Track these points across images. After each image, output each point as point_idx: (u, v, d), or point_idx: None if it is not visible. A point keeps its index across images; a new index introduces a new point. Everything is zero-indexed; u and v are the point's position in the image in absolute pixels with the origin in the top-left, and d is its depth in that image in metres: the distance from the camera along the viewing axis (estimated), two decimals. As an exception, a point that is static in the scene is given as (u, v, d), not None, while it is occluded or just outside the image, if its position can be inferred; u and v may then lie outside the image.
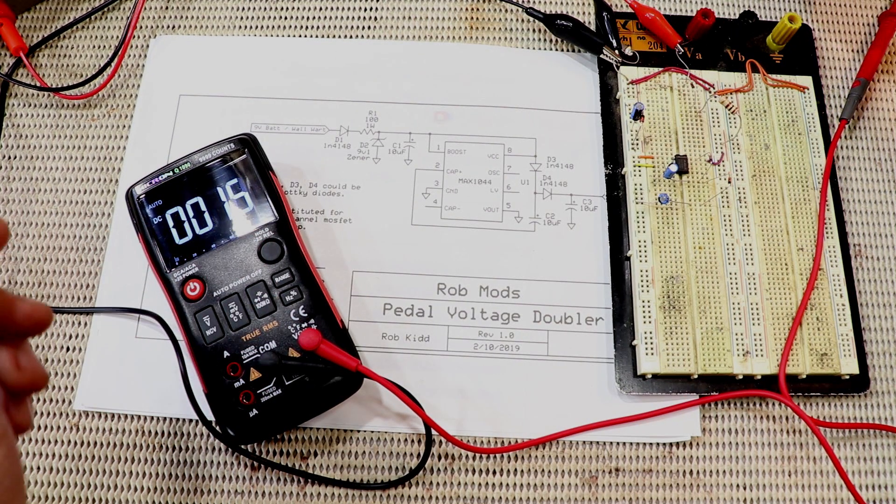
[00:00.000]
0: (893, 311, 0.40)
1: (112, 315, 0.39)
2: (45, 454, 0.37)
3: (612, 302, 0.39)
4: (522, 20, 0.46)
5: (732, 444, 0.37)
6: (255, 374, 0.34)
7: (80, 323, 0.39)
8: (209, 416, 0.35)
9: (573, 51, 0.45)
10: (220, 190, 0.38)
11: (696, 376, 0.37)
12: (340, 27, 0.45)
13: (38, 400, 0.37)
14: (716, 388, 0.37)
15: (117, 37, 0.45)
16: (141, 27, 0.45)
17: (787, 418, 0.38)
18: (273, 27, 0.45)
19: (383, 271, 0.40)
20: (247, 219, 0.37)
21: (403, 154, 0.42)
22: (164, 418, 0.37)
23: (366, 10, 0.46)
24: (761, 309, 0.38)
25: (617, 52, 0.42)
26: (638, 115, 0.41)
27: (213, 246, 0.37)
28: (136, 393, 0.37)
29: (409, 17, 0.46)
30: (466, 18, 0.46)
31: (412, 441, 0.37)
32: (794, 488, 0.37)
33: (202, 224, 0.37)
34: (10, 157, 0.42)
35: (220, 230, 0.37)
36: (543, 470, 0.37)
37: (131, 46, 0.45)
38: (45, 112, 0.43)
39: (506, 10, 0.46)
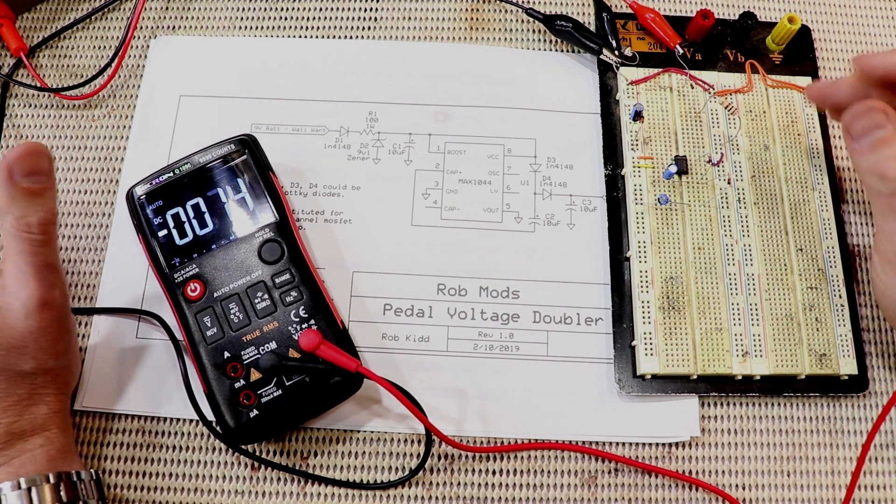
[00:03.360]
0: (892, 312, 0.40)
1: (112, 315, 0.39)
2: (46, 454, 0.37)
3: (612, 302, 0.39)
4: (522, 21, 0.46)
5: (732, 444, 0.37)
6: (255, 375, 0.34)
7: (80, 323, 0.39)
8: (209, 416, 0.35)
9: (573, 51, 0.45)
10: (220, 191, 0.38)
11: (695, 377, 0.37)
12: (340, 27, 0.45)
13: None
14: (715, 388, 0.37)
15: (117, 37, 0.45)
16: (141, 27, 0.45)
17: (786, 418, 0.38)
18: (273, 27, 0.45)
19: (383, 272, 0.40)
20: (247, 219, 0.37)
21: (403, 154, 0.42)
22: (164, 418, 0.37)
23: (366, 10, 0.46)
24: (760, 310, 0.38)
25: (616, 52, 0.42)
26: (637, 115, 0.41)
27: (214, 247, 0.37)
28: (136, 393, 0.37)
29: (409, 18, 0.46)
30: (466, 19, 0.46)
31: (412, 441, 0.37)
32: (793, 488, 0.37)
33: (202, 225, 0.37)
34: (10, 158, 0.42)
35: (220, 231, 0.37)
36: (543, 470, 0.37)
37: (132, 47, 0.45)
38: (45, 112, 0.43)
39: (506, 11, 0.46)
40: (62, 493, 0.31)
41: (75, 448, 0.35)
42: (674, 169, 0.39)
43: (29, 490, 0.30)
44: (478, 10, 0.46)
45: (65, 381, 0.34)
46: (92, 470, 0.33)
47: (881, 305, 0.36)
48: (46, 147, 0.31)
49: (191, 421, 0.37)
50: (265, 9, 0.46)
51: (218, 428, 0.35)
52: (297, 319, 0.35)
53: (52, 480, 0.31)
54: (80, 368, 0.36)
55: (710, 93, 0.42)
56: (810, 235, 0.39)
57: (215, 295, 0.36)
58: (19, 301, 0.31)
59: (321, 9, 0.46)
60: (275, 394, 0.34)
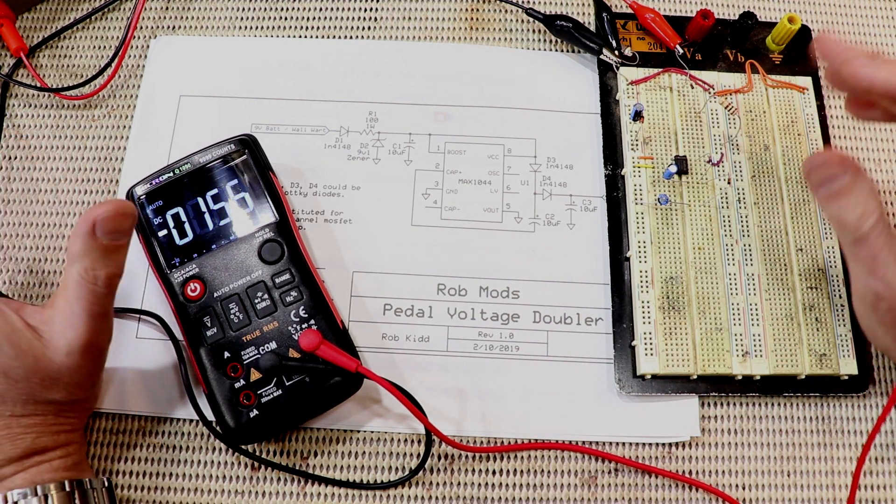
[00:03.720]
0: (892, 312, 0.40)
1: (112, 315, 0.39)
2: (46, 454, 0.37)
3: (612, 302, 0.39)
4: (522, 21, 0.46)
5: (732, 444, 0.37)
6: (255, 375, 0.34)
7: (80, 323, 0.39)
8: (209, 416, 0.35)
9: (573, 51, 0.45)
10: (220, 191, 0.38)
11: (695, 377, 0.37)
12: (340, 27, 0.45)
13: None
14: (715, 388, 0.37)
15: (117, 37, 0.45)
16: (141, 27, 0.45)
17: (786, 418, 0.38)
18: (273, 27, 0.45)
19: (383, 272, 0.40)
20: (247, 219, 0.37)
21: (403, 155, 0.42)
22: (164, 418, 0.37)
23: (366, 10, 0.46)
24: (760, 309, 0.38)
25: (616, 52, 0.42)
26: (637, 115, 0.41)
27: (214, 247, 0.37)
28: (136, 393, 0.37)
29: (409, 18, 0.46)
30: (466, 19, 0.46)
31: (412, 441, 0.37)
32: (793, 488, 0.37)
33: (202, 225, 0.37)
34: (10, 158, 0.42)
35: (220, 231, 0.37)
36: (543, 470, 0.37)
37: (131, 47, 0.45)
38: (45, 112, 0.43)
39: (506, 11, 0.46)
40: (76, 501, 0.31)
41: (87, 460, 0.35)
42: (674, 169, 0.39)
43: (45, 497, 0.30)
44: (478, 10, 0.46)
45: (88, 407, 0.35)
46: (104, 477, 0.33)
47: (867, 337, 0.35)
48: (135, 209, 0.32)
49: (191, 421, 0.37)
50: (265, 9, 0.46)
51: (218, 428, 0.35)
52: (297, 319, 0.35)
53: (66, 488, 0.31)
54: (101, 391, 0.37)
55: (710, 93, 0.42)
56: (810, 235, 0.39)
57: (215, 295, 0.36)
58: (64, 339, 0.31)
59: (321, 9, 0.46)
60: (275, 394, 0.34)
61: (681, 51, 0.42)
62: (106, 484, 0.33)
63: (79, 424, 0.34)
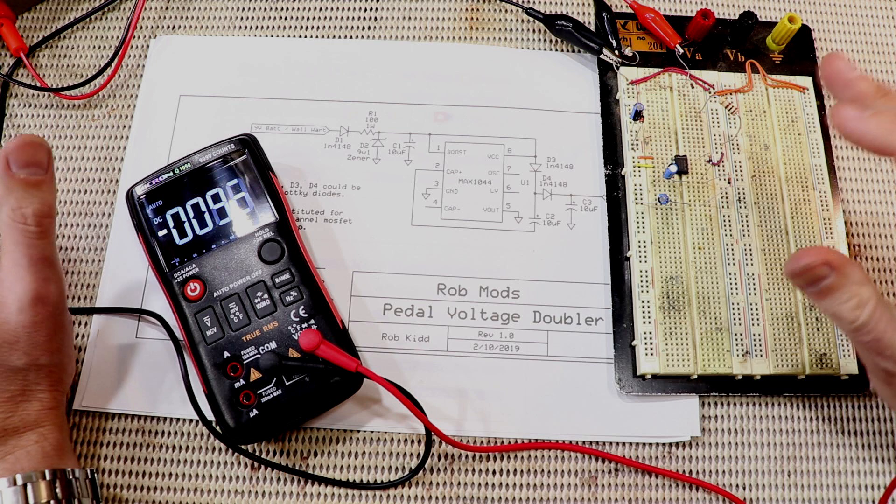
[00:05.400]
0: (893, 312, 0.40)
1: (112, 315, 0.39)
2: (46, 454, 0.37)
3: (612, 302, 0.39)
4: (522, 20, 0.46)
5: (732, 444, 0.37)
6: (255, 375, 0.34)
7: (80, 323, 0.39)
8: (209, 415, 0.35)
9: (573, 51, 0.45)
10: (220, 190, 0.38)
11: (695, 377, 0.37)
12: (340, 27, 0.45)
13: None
14: (715, 388, 0.37)
15: (117, 37, 0.45)
16: (141, 27, 0.45)
17: (786, 418, 0.38)
18: (273, 27, 0.45)
19: (383, 271, 0.40)
20: (247, 219, 0.37)
21: (403, 154, 0.42)
22: (164, 418, 0.37)
23: (366, 10, 0.46)
24: (761, 309, 0.38)
25: (617, 52, 0.42)
26: (638, 115, 0.41)
27: (214, 246, 0.37)
28: (135, 393, 0.37)
29: (409, 17, 0.46)
30: (466, 18, 0.46)
31: (412, 441, 0.37)
32: (794, 488, 0.37)
33: (202, 224, 0.37)
34: (10, 158, 0.42)
35: (220, 231, 0.37)
36: (543, 470, 0.37)
37: (131, 47, 0.45)
38: (45, 112, 0.43)
39: (506, 11, 0.46)
40: (57, 491, 0.31)
41: (71, 446, 0.34)
42: (674, 168, 0.39)
43: (24, 486, 0.30)
44: (478, 10, 0.46)
45: (58, 378, 0.34)
46: (87, 469, 0.33)
47: (889, 408, 0.37)
48: (45, 140, 0.31)
49: (190, 421, 0.37)
50: (265, 9, 0.46)
51: (218, 428, 0.35)
52: (297, 319, 0.35)
53: (47, 477, 0.31)
54: (74, 366, 0.36)
55: (710, 92, 0.42)
56: (810, 235, 0.39)
57: (215, 295, 0.36)
58: (14, 294, 0.31)
59: (321, 9, 0.46)
60: (275, 394, 0.34)
61: (681, 50, 0.42)
62: (89, 475, 0.33)
63: (51, 402, 0.33)
